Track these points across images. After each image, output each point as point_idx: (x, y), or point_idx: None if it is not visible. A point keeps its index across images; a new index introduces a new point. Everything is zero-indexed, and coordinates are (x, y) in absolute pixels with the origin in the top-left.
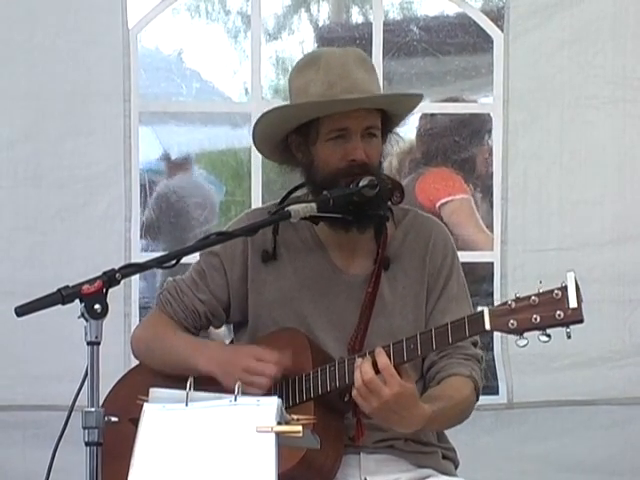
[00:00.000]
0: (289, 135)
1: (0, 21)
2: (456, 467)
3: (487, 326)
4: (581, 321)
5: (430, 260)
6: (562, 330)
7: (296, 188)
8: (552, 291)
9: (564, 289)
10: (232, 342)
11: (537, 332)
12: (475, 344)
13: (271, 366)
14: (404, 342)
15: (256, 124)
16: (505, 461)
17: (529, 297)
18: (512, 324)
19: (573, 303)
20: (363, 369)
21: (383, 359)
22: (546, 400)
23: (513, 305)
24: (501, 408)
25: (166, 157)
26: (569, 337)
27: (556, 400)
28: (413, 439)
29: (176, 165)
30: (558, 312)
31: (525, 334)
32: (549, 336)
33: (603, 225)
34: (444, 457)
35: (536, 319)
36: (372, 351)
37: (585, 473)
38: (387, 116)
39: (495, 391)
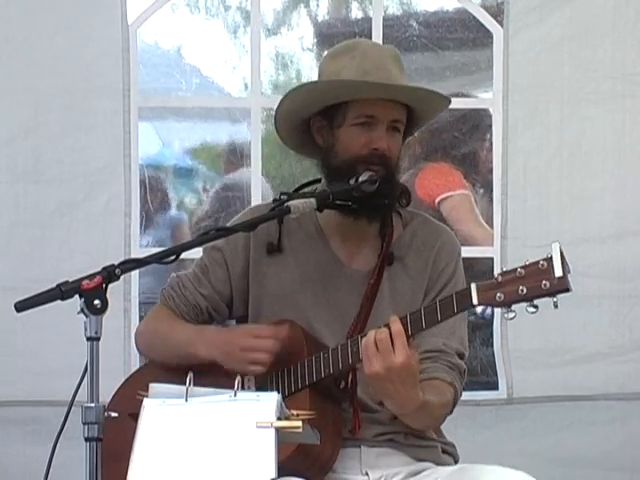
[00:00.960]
0: (312, 117)
1: None
2: (456, 462)
3: (475, 300)
4: (567, 290)
5: (433, 265)
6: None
7: (310, 183)
8: (537, 262)
9: (549, 259)
10: None
11: (525, 304)
12: (461, 356)
13: (269, 341)
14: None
15: (282, 101)
16: (504, 456)
17: (515, 270)
18: (499, 297)
19: (559, 272)
20: (379, 330)
21: (397, 326)
22: (546, 395)
23: (500, 279)
24: (501, 403)
25: (227, 153)
26: (556, 307)
27: (556, 395)
28: (413, 433)
29: (235, 161)
30: (544, 282)
31: (513, 306)
32: (536, 307)
33: (603, 220)
34: (444, 452)
35: (522, 290)
36: (387, 324)
37: (584, 468)
38: (411, 117)
39: (495, 386)
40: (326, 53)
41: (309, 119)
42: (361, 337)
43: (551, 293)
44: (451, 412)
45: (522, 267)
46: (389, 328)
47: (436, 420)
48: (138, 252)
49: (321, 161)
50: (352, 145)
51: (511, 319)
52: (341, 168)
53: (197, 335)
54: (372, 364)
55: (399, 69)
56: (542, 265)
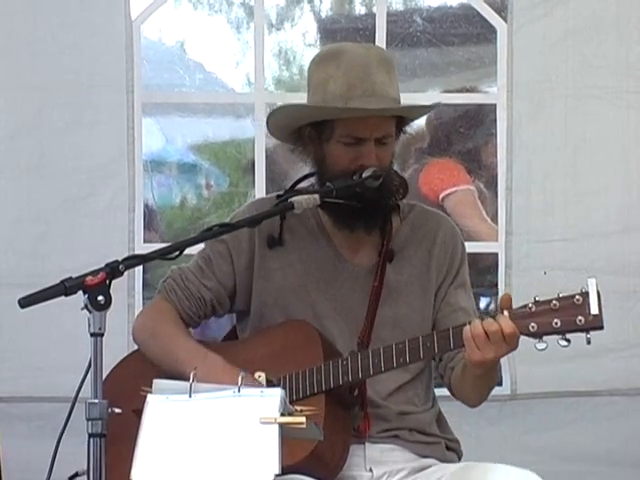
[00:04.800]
0: (303, 127)
1: (3, 13)
2: (459, 458)
3: None
4: (601, 327)
5: (439, 251)
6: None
7: (305, 177)
8: (573, 296)
9: (585, 295)
10: (234, 329)
11: (557, 336)
12: None
13: None
14: (420, 340)
15: (270, 115)
16: (509, 452)
17: (550, 301)
18: (532, 327)
19: (594, 309)
20: (497, 320)
21: (507, 323)
22: (550, 391)
23: (533, 308)
24: (505, 399)
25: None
26: (589, 343)
27: (560, 391)
28: (417, 429)
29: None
30: (579, 317)
31: (544, 338)
32: (569, 341)
33: (608, 215)
34: (448, 448)
35: (557, 323)
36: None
37: (588, 464)
38: (402, 119)
39: (499, 382)
40: (313, 57)
41: (300, 128)
42: (383, 349)
43: (585, 329)
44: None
45: (556, 299)
46: (496, 320)
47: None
48: (142, 248)
49: (314, 169)
50: (341, 161)
51: (542, 350)
52: (331, 180)
53: (198, 359)
54: (484, 354)
55: (387, 72)
56: (578, 300)
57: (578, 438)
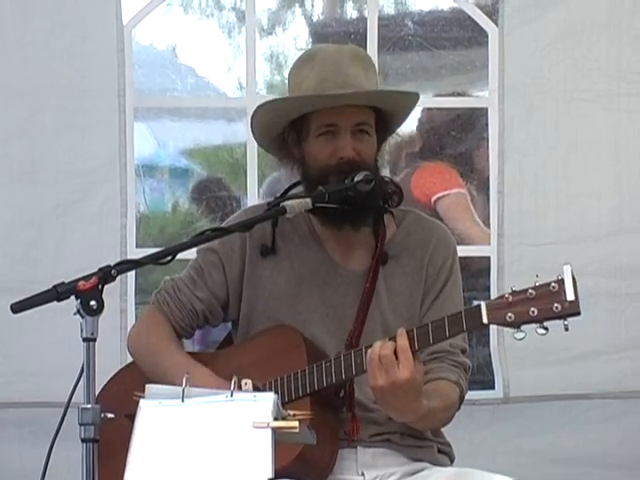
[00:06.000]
0: (285, 130)
1: None
2: (452, 461)
3: (484, 319)
4: (578, 313)
5: (430, 261)
6: (557, 323)
7: (295, 184)
8: (549, 284)
9: (561, 282)
10: (230, 338)
11: (534, 325)
12: (464, 351)
13: None
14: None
15: (252, 118)
16: (501, 455)
17: (526, 290)
18: (509, 317)
19: (570, 296)
20: (384, 344)
21: (403, 341)
22: (542, 394)
23: (510, 298)
24: (497, 402)
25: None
26: (567, 329)
27: (552, 394)
28: (409, 433)
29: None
30: (555, 305)
31: (522, 327)
32: (546, 329)
33: (599, 218)
34: (440, 451)
35: (534, 312)
36: (394, 337)
37: (581, 467)
38: (383, 115)
39: (491, 385)
40: (293, 63)
41: (283, 132)
42: (365, 348)
43: (562, 316)
44: (458, 409)
45: (533, 288)
46: (395, 341)
47: (441, 422)
48: (134, 253)
49: (299, 171)
50: (319, 157)
51: (520, 339)
52: (314, 180)
53: (186, 371)
54: (376, 378)
55: (362, 67)
56: (553, 287)
57: (571, 441)
